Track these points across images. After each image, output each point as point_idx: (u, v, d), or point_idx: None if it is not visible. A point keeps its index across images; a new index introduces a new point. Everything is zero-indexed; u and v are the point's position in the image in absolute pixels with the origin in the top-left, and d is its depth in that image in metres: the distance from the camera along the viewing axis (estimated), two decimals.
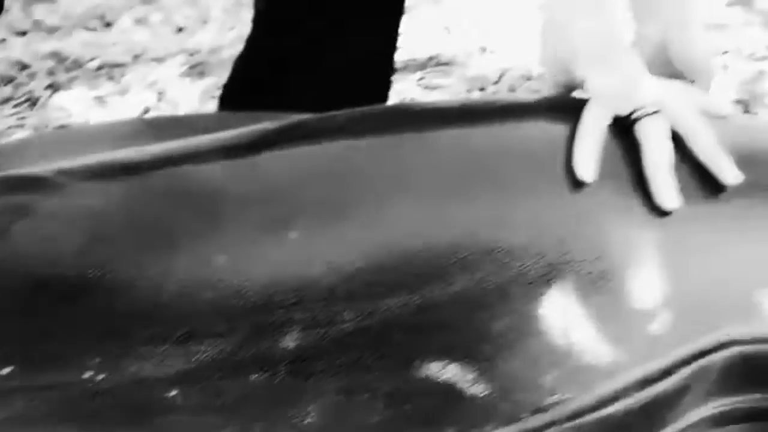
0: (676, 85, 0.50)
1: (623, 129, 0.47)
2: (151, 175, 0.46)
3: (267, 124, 0.49)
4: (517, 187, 0.45)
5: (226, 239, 0.42)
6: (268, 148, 0.47)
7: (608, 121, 0.46)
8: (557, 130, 0.47)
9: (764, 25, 1.64)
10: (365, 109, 0.53)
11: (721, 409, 0.46)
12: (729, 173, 0.45)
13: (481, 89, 1.49)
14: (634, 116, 0.46)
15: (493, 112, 0.51)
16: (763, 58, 1.49)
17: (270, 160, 0.46)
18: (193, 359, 0.39)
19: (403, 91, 1.91)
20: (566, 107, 0.49)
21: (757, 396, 0.47)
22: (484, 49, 1.63)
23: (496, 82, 1.55)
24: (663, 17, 0.54)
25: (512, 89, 1.50)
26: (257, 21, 0.82)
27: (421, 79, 2.14)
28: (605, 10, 0.49)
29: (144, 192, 0.45)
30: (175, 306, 0.40)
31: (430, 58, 2.29)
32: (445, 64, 2.03)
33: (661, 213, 0.44)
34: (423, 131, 0.48)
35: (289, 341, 0.39)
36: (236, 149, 0.47)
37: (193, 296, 0.40)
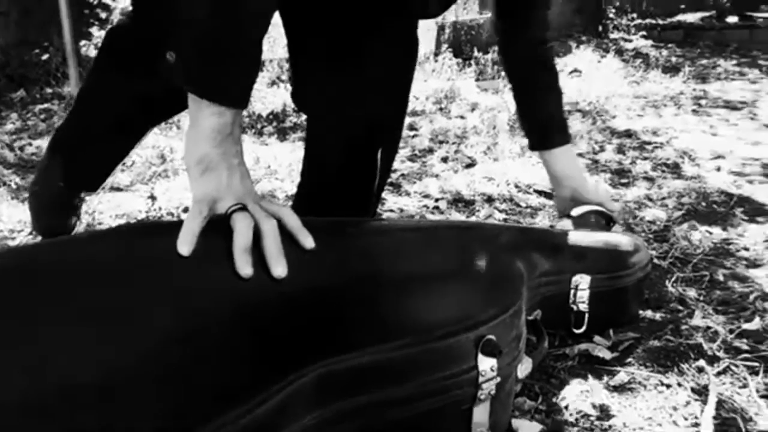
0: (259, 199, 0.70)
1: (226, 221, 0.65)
2: None
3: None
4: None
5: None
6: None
7: (205, 217, 0.65)
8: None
9: None
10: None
11: (318, 418, 0.60)
12: (306, 240, 0.67)
13: None
14: (228, 212, 0.66)
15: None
16: None
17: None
18: None
19: None
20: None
21: (347, 401, 0.61)
22: None
23: None
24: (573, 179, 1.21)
25: None
26: None
27: None
28: (209, 140, 0.68)
29: None
30: None
31: None
32: None
33: (240, 278, 0.61)
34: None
35: None
36: None
37: None
